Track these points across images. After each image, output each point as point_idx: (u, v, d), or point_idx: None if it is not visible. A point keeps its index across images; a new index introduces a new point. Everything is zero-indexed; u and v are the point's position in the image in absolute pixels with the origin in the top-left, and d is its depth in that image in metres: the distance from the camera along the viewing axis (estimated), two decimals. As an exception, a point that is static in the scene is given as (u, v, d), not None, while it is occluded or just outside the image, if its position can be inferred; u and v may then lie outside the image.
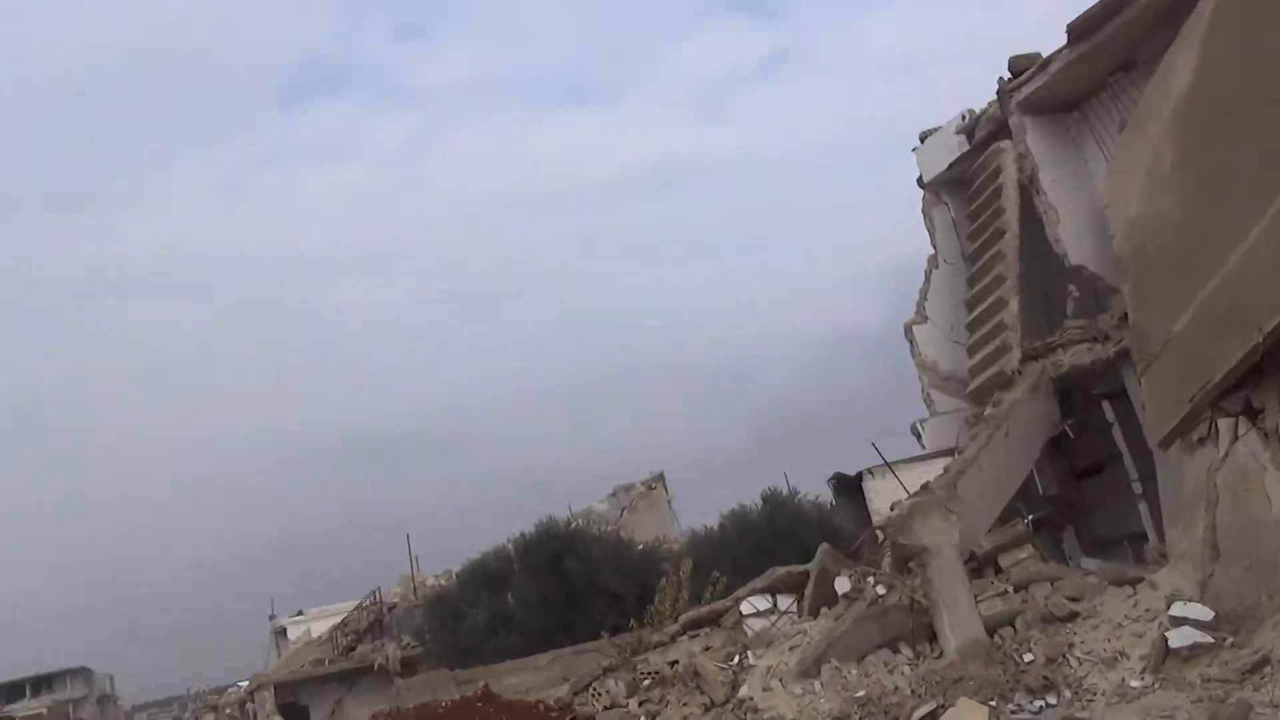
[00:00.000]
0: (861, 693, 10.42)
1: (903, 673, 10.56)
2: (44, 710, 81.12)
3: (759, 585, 13.66)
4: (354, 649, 32.36)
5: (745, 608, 13.41)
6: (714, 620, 13.34)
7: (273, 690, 30.31)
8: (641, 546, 24.61)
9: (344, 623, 34.24)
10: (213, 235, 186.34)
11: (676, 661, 12.69)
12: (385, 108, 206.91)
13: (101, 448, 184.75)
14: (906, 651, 10.92)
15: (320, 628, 37.49)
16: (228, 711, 47.84)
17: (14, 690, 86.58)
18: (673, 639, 13.45)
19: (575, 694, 12.95)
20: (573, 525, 24.62)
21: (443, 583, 31.00)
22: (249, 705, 34.11)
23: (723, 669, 11.93)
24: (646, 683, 12.57)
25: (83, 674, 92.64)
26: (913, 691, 10.17)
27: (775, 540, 20.06)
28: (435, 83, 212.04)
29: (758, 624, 13.24)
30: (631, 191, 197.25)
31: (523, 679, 17.14)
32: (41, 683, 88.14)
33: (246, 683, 37.68)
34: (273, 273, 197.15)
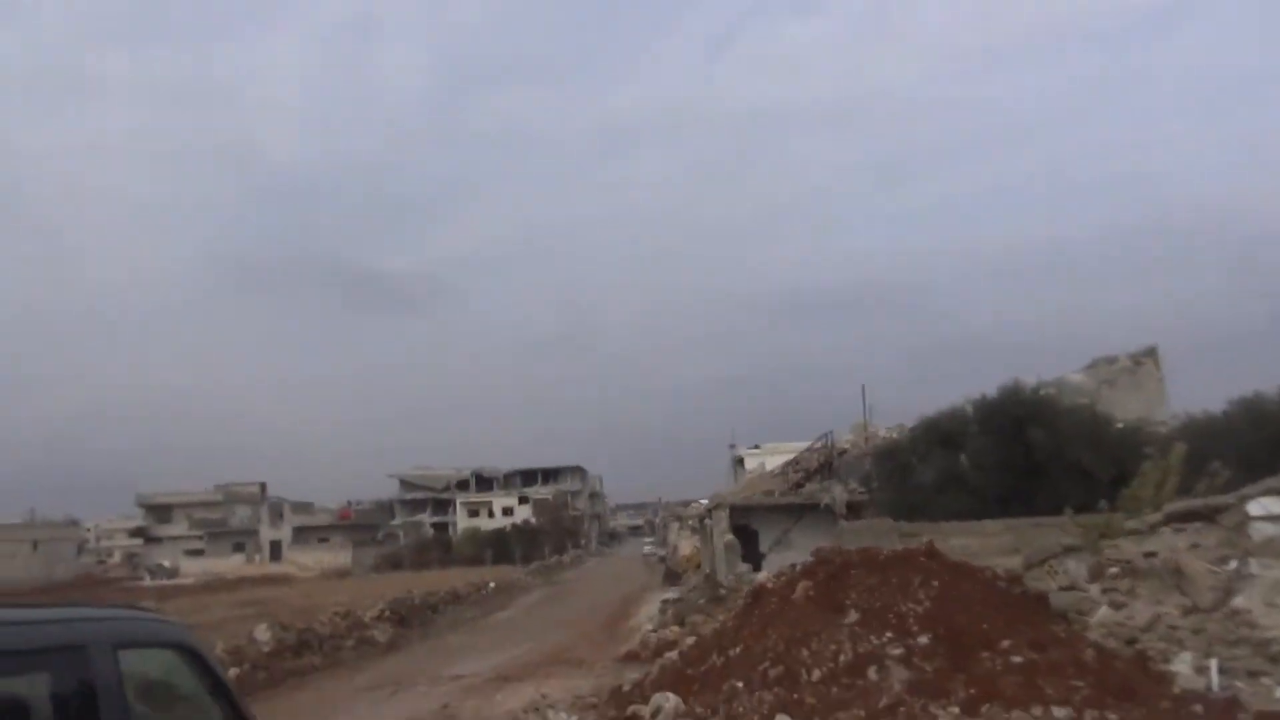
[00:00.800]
0: None
1: None
2: (549, 496, 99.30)
3: (1276, 485, 11.42)
4: (802, 486, 33.50)
5: (1254, 508, 11.33)
6: (1209, 516, 11.49)
7: (728, 511, 32.24)
8: (1121, 425, 22.10)
9: (796, 460, 35.58)
10: (693, 90, 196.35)
11: (1154, 554, 11.21)
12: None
13: (578, 288, 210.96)
14: None
15: (773, 462, 39.46)
16: (689, 522, 53.79)
17: (529, 477, 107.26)
18: (1152, 529, 11.88)
19: (1028, 568, 12.11)
20: (1042, 393, 22.76)
21: (893, 436, 30.73)
22: (707, 520, 36.94)
23: (1214, 572, 10.29)
24: (1114, 570, 11.32)
25: (579, 472, 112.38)
26: None
27: (1300, 436, 16.73)
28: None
29: (1269, 529, 11.15)
30: (1133, 34, 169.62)
31: (968, 542, 16.53)
32: (549, 474, 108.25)
33: (706, 501, 40.74)
34: (744, 125, 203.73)
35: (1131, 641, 9.69)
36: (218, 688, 3.48)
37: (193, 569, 76.93)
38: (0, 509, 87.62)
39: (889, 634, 10.02)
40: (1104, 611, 10.35)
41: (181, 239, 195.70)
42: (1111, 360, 31.17)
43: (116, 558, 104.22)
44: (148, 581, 69.15)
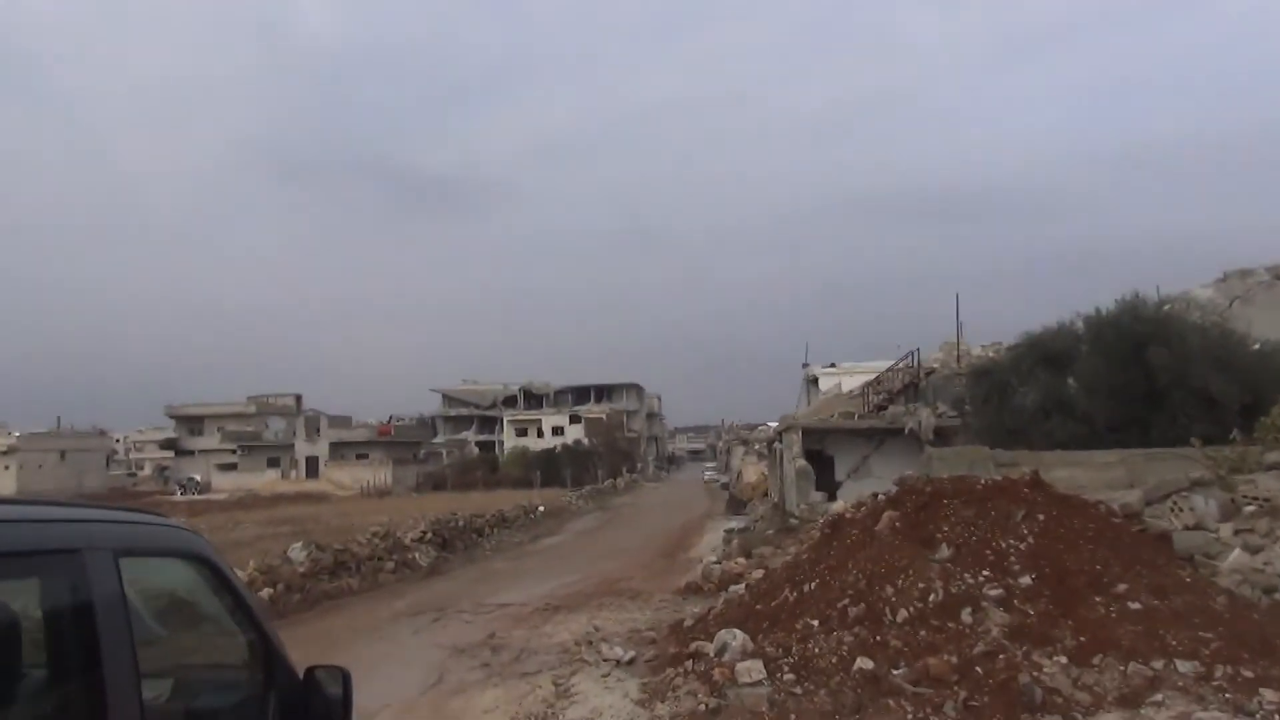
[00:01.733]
0: None
1: None
2: (603, 415, 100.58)
3: None
4: (885, 408, 33.28)
5: None
6: (1367, 450, 10.91)
7: (800, 434, 31.94)
8: (1258, 346, 21.18)
9: (877, 380, 35.18)
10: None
11: (1299, 491, 10.71)
12: None
13: (642, 186, 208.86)
14: None
15: (851, 382, 39.18)
16: (756, 447, 54.46)
17: (581, 394, 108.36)
18: (1297, 463, 11.34)
19: (1148, 504, 11.70)
20: (1165, 309, 21.86)
21: (990, 354, 30.05)
22: (776, 445, 36.81)
23: (1372, 513, 9.78)
24: (1250, 509, 10.87)
25: (636, 390, 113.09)
26: None
27: None
28: None
29: None
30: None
31: (1074, 474, 16.07)
32: (604, 392, 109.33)
33: (775, 423, 40.83)
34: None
35: (1270, 590, 9.31)
36: (238, 605, 3.33)
37: (225, 484, 79.79)
38: (27, 418, 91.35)
39: (986, 572, 9.80)
40: (1237, 555, 9.95)
41: (210, 123, 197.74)
42: (1247, 274, 29.90)
43: (147, 470, 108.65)
44: (179, 496, 71.96)
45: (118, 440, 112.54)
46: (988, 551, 10.17)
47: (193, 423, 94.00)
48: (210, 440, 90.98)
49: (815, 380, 45.51)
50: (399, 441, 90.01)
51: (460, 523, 32.15)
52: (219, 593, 3.29)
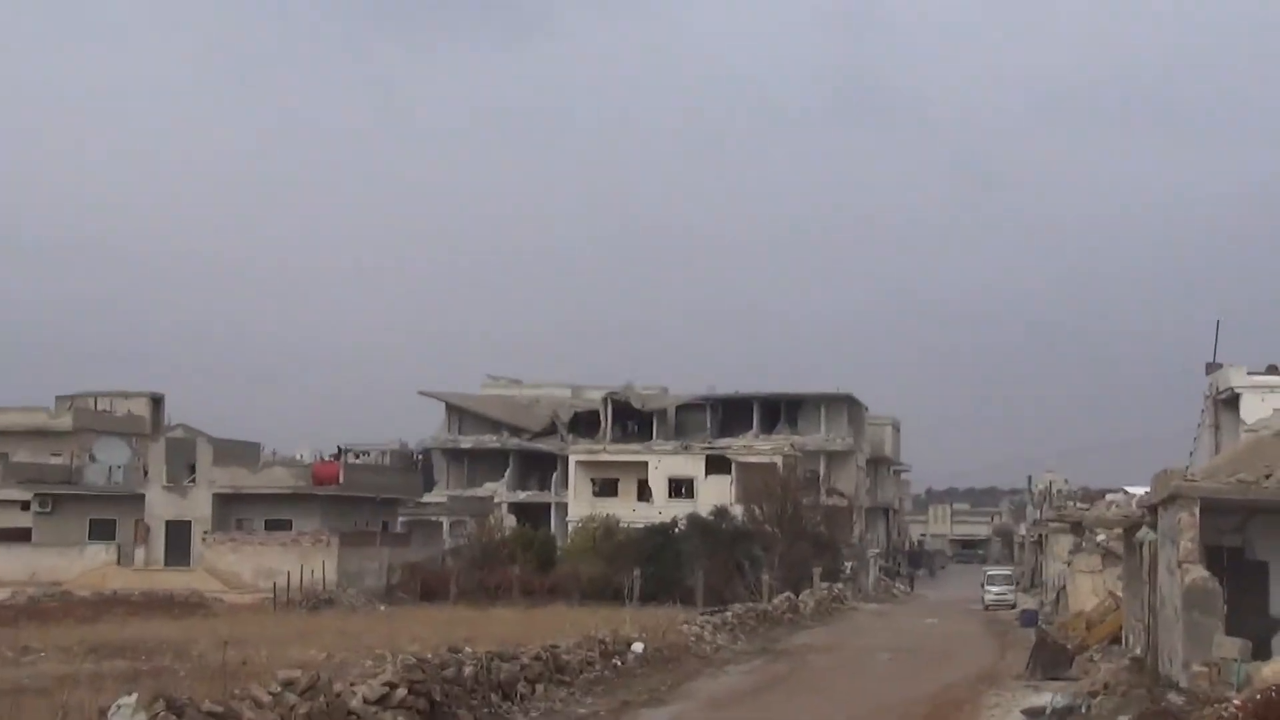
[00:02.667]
0: None
1: None
2: (777, 458, 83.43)
3: None
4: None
5: None
6: None
7: (1197, 514, 26.58)
8: None
9: (1378, 406, 33.38)
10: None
11: None
12: None
13: None
14: None
15: (1313, 408, 36.49)
16: (1099, 539, 48.68)
17: (734, 413, 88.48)
18: None
19: None
20: None
21: None
22: (1142, 535, 32.17)
23: None
24: None
25: (845, 407, 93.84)
26: None
27: None
28: None
29: None
30: None
31: None
32: (779, 410, 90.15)
33: (1140, 490, 36.82)
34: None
35: None
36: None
37: (7, 568, 70.62)
38: None
39: None
40: None
41: None
42: None
43: None
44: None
45: None
46: None
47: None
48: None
49: (1233, 400, 39.49)
50: (354, 497, 76.15)
51: (468, 669, 27.26)
52: None
